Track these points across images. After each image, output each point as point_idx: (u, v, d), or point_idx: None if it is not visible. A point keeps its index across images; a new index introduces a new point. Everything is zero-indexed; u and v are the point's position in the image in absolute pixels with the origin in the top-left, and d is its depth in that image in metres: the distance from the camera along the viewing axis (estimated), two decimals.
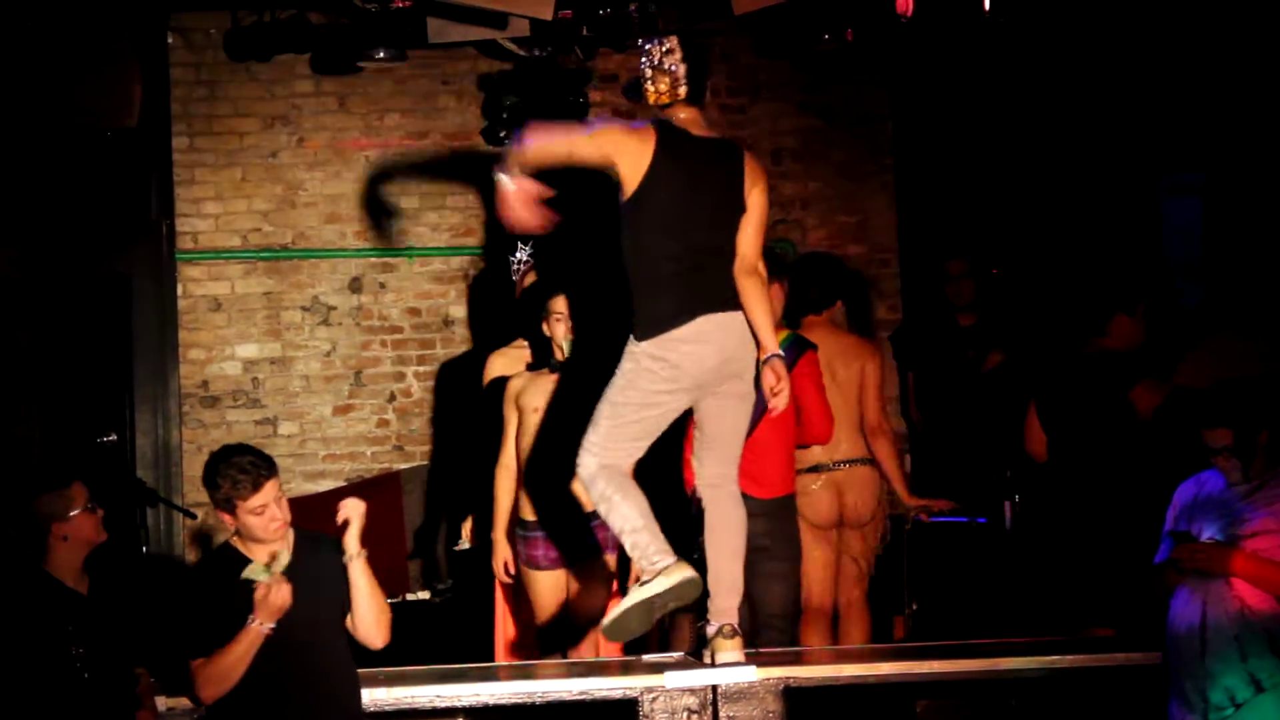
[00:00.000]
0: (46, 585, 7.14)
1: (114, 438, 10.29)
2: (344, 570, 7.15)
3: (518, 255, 9.34)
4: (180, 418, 11.04)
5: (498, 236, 10.10)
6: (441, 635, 9.59)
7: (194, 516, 10.35)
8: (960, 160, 11.88)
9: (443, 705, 7.78)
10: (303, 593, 7.12)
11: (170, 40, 11.37)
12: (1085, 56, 11.23)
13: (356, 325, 11.43)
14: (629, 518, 7.26)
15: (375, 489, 11.06)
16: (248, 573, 6.90)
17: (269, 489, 7.01)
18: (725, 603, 7.61)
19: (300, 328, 11.36)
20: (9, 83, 10.49)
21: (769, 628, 8.75)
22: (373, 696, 7.59)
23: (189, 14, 11.35)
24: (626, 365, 7.35)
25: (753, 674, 7.62)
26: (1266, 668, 7.20)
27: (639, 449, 7.43)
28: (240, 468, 7.00)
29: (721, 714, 7.61)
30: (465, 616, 9.32)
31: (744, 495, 7.74)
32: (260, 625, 6.93)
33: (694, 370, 7.29)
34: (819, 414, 8.89)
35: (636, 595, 7.21)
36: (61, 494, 7.17)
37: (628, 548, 7.32)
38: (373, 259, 11.52)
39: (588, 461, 7.35)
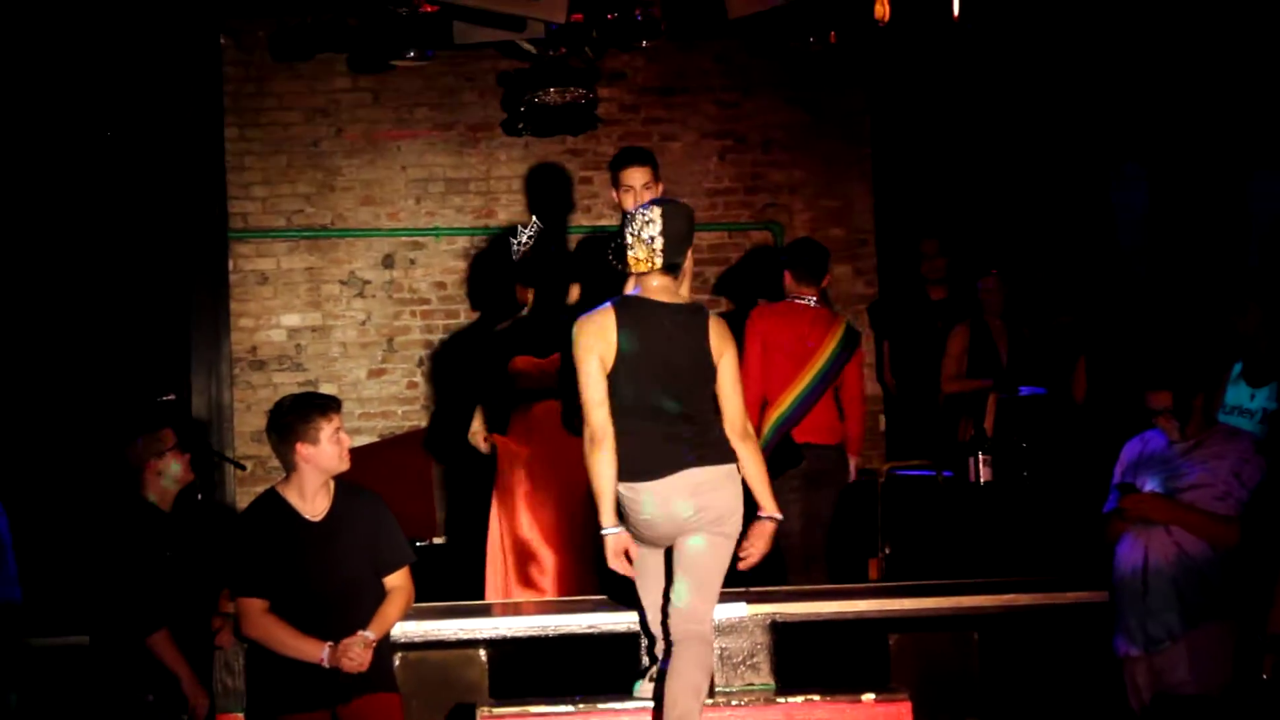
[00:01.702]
0: (145, 508, 7.41)
1: (173, 397, 10.34)
2: (379, 522, 7.27)
3: (519, 237, 9.31)
4: (231, 380, 11.10)
5: (512, 218, 10.17)
6: (459, 577, 9.63)
7: (244, 468, 10.41)
8: (932, 151, 11.92)
9: (465, 637, 7.86)
10: (340, 539, 7.20)
11: (222, 41, 11.41)
12: (1044, 59, 11.27)
13: (389, 297, 11.46)
14: None
15: (405, 445, 11.14)
16: None
17: (339, 420, 7.21)
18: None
19: (338, 299, 11.40)
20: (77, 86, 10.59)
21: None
22: (402, 629, 7.66)
23: (239, 18, 11.39)
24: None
25: (744, 610, 7.69)
26: (1200, 605, 7.28)
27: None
28: (318, 401, 7.24)
29: (715, 643, 7.65)
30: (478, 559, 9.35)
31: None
32: (324, 660, 7.05)
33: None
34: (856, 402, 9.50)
35: None
36: (156, 436, 7.44)
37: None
38: (404, 238, 11.55)
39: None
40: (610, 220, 10.50)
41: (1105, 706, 7.70)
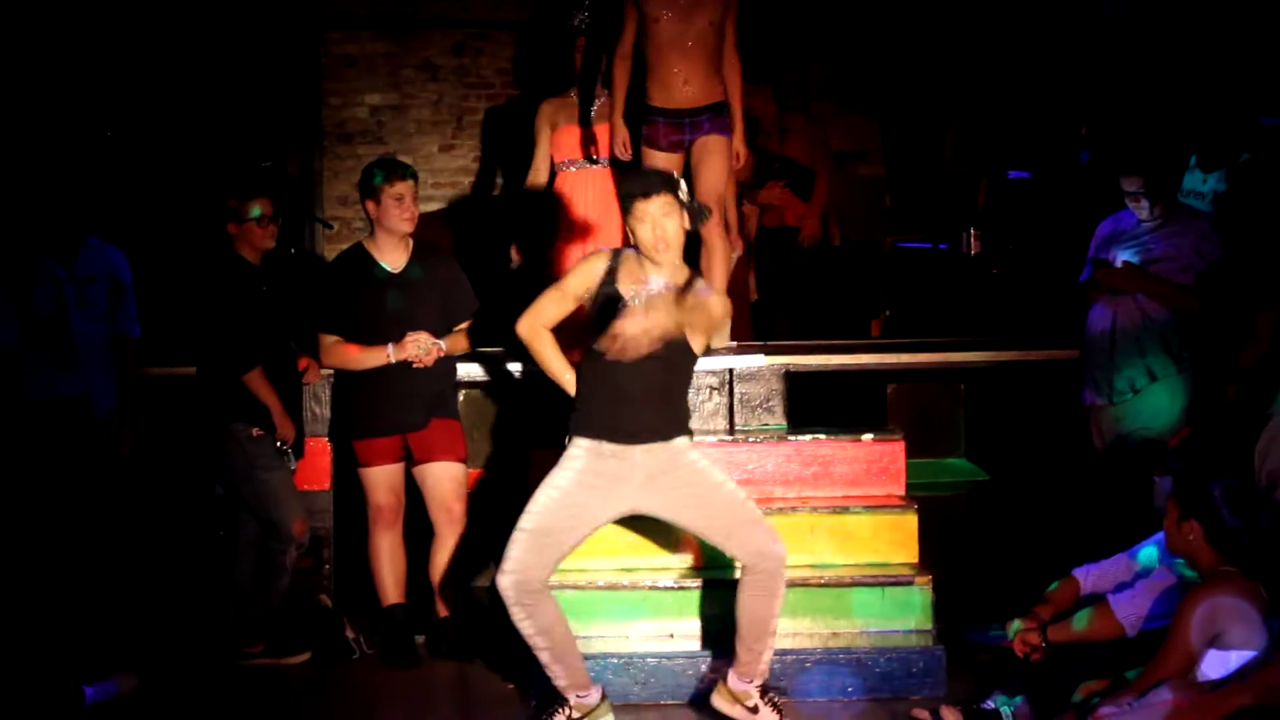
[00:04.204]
0: (239, 263, 7.41)
1: (271, 163, 10.29)
2: (450, 277, 7.29)
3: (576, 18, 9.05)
4: (321, 150, 11.04)
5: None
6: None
7: (331, 227, 10.40)
8: None
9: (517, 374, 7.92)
10: (414, 289, 7.24)
11: None
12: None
13: (460, 82, 11.33)
14: None
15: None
16: None
17: (409, 185, 7.21)
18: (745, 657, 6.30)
19: (415, 82, 11.27)
20: None
21: None
22: (466, 369, 7.72)
23: None
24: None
25: (761, 360, 7.70)
26: (1160, 362, 7.28)
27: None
28: (392, 162, 7.31)
29: (736, 389, 7.69)
30: None
31: None
32: (390, 356, 7.08)
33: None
34: None
35: None
36: (253, 202, 7.39)
37: None
38: (473, 29, 11.38)
39: None
40: None
41: (1072, 448, 7.72)
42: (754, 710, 6.21)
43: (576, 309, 6.29)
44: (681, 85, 7.66)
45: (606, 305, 6.10)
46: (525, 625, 6.06)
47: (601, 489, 6.12)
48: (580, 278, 6.19)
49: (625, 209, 6.10)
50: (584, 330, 6.23)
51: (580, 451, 6.14)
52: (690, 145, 7.73)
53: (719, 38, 7.67)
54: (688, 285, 6.09)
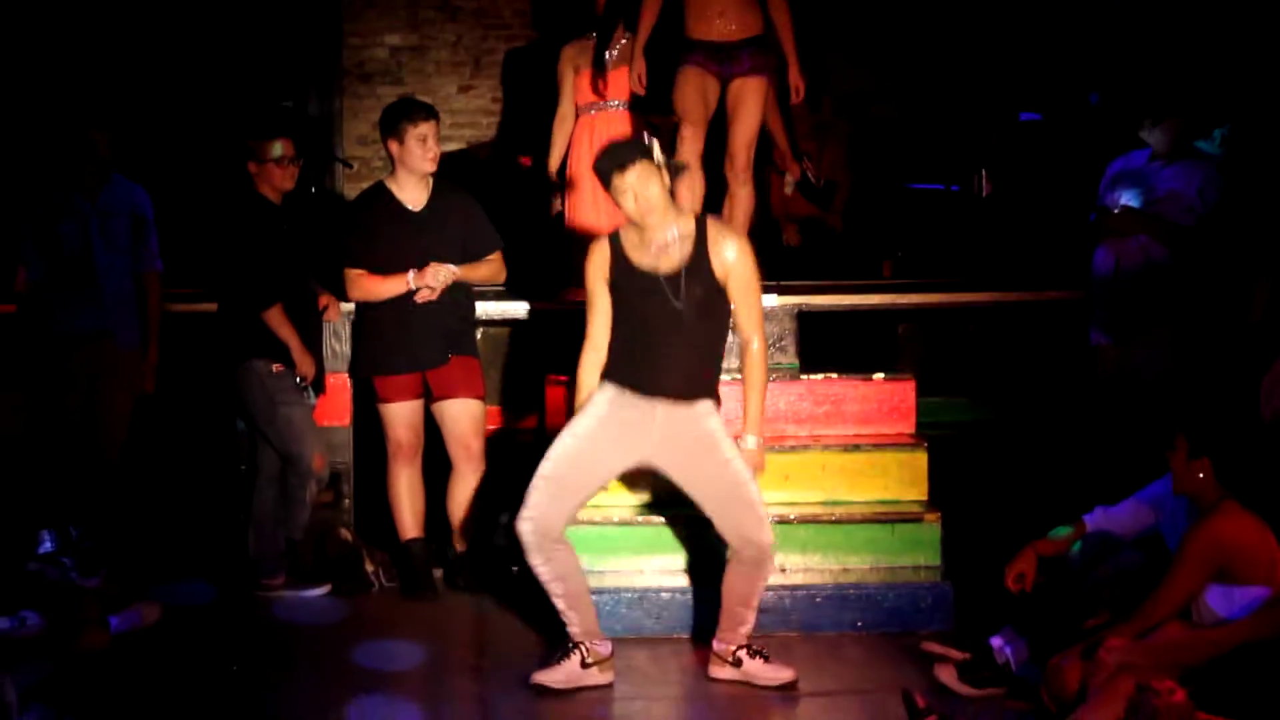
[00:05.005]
0: (259, 202, 7.42)
1: (291, 104, 10.31)
2: (469, 214, 7.32)
3: None
4: (341, 90, 11.02)
5: None
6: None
7: (351, 166, 10.40)
8: None
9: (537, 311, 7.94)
10: (435, 226, 7.27)
11: None
12: None
13: (478, 23, 11.30)
14: None
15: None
16: None
17: (433, 126, 7.23)
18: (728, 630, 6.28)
19: (434, 23, 11.23)
20: None
21: None
22: (483, 307, 7.74)
23: None
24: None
25: (774, 300, 7.67)
26: (1163, 303, 7.29)
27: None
28: (414, 103, 7.35)
29: None
30: None
31: None
32: (410, 282, 7.10)
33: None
34: None
35: None
36: (274, 142, 7.39)
37: None
38: None
39: None
40: None
41: (1078, 386, 7.74)
42: (738, 664, 6.21)
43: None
44: (717, 17, 7.49)
45: (628, 281, 6.08)
46: (543, 570, 6.07)
47: (620, 439, 6.10)
48: (596, 270, 6.13)
49: (606, 185, 6.03)
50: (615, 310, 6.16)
51: (604, 399, 6.11)
52: (729, 81, 7.56)
53: None
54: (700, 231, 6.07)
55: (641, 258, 6.07)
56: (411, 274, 7.19)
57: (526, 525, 6.03)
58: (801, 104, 7.99)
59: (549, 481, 6.06)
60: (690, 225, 6.09)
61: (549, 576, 6.09)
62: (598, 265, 6.13)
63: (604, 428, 6.09)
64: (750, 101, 7.54)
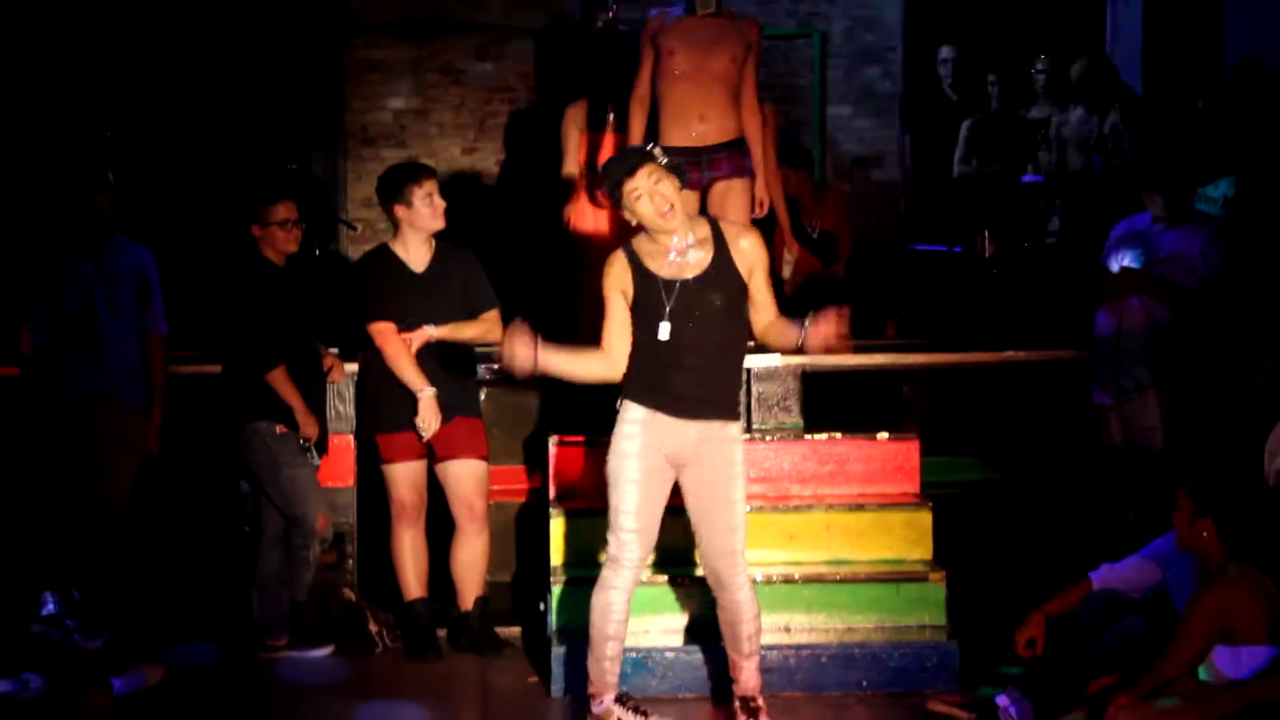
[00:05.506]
0: (263, 264, 7.42)
1: (295, 166, 10.33)
2: (471, 273, 7.30)
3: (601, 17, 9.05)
4: (345, 153, 11.07)
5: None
6: None
7: (355, 229, 10.43)
8: None
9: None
10: (439, 286, 7.26)
11: None
12: None
13: (481, 86, 11.34)
14: None
15: None
16: None
17: (434, 183, 7.24)
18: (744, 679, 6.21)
19: (438, 86, 11.29)
20: None
21: None
22: (488, 367, 7.70)
23: None
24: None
25: (778, 360, 7.64)
26: (1166, 363, 7.29)
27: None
28: (413, 164, 7.43)
29: (754, 389, 7.64)
30: None
31: None
32: (421, 393, 7.15)
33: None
34: None
35: None
36: (276, 205, 7.40)
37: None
38: (494, 34, 11.37)
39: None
40: None
41: (1082, 447, 7.72)
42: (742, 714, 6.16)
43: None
44: (698, 121, 7.49)
45: (651, 293, 5.97)
46: (618, 624, 6.04)
47: (664, 465, 5.99)
48: (615, 281, 6.00)
49: (617, 198, 5.94)
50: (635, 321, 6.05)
51: (636, 430, 5.98)
52: (709, 186, 7.56)
53: (739, 76, 7.55)
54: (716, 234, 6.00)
55: (661, 268, 5.96)
56: (424, 388, 7.20)
57: (626, 577, 5.99)
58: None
59: (640, 534, 5.99)
60: (706, 229, 6.03)
61: (616, 629, 6.05)
62: (617, 276, 5.99)
63: (645, 461, 5.96)
64: (734, 204, 7.53)
